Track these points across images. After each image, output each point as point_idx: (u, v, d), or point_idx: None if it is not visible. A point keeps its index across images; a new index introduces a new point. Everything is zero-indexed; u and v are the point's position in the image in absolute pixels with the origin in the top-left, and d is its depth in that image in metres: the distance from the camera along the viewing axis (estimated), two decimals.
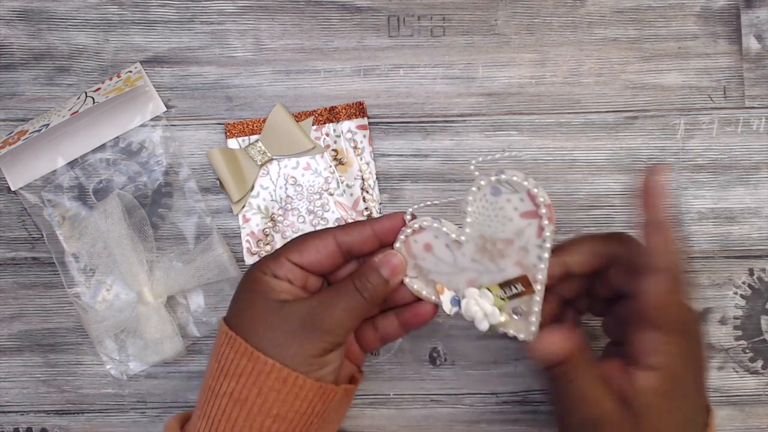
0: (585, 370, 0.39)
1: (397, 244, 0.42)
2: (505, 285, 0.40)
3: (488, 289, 0.40)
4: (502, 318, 0.40)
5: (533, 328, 0.40)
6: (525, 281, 0.39)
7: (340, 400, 0.43)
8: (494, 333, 0.41)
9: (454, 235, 0.41)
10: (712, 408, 0.40)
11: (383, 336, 0.44)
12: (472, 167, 0.39)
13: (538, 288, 0.39)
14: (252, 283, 0.41)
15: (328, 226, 0.49)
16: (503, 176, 0.39)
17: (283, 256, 0.42)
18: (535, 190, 0.38)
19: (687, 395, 0.38)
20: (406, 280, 0.42)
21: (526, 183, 0.38)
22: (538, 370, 0.40)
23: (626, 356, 0.39)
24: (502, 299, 0.40)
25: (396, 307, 0.44)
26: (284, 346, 0.39)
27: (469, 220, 0.40)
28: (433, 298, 0.42)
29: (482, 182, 0.39)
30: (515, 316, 0.40)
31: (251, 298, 0.41)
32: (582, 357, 0.39)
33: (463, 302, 0.41)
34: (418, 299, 0.43)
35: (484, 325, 0.40)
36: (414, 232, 0.42)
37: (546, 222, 0.38)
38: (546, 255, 0.39)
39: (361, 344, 0.45)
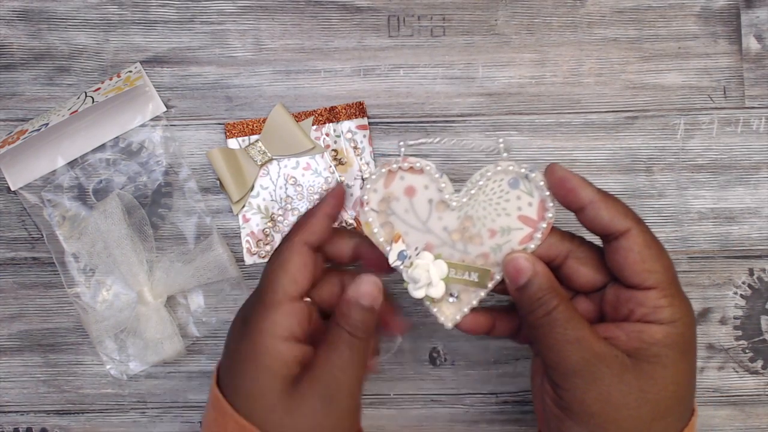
0: (575, 313, 0.37)
1: (383, 170, 0.39)
2: (463, 268, 0.39)
3: (445, 263, 0.39)
4: (440, 295, 0.39)
5: (458, 317, 0.39)
6: (485, 276, 0.38)
7: None
8: (418, 301, 0.39)
9: (447, 196, 0.38)
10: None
11: None
12: (501, 144, 0.39)
13: (489, 287, 0.39)
14: (259, 354, 0.37)
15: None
16: (532, 174, 0.38)
17: (286, 300, 0.37)
18: (550, 204, 0.38)
19: (691, 352, 0.37)
20: (366, 208, 0.39)
21: (547, 193, 0.38)
22: (523, 315, 0.38)
23: (629, 319, 0.37)
24: (449, 278, 0.39)
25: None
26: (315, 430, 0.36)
27: (473, 191, 0.39)
28: (382, 240, 0.39)
29: (510, 167, 0.38)
30: (450, 299, 0.39)
31: (257, 374, 0.37)
32: (567, 300, 0.37)
33: (415, 262, 0.38)
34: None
35: (420, 293, 0.38)
36: (409, 169, 0.39)
37: (538, 236, 0.38)
38: None
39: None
